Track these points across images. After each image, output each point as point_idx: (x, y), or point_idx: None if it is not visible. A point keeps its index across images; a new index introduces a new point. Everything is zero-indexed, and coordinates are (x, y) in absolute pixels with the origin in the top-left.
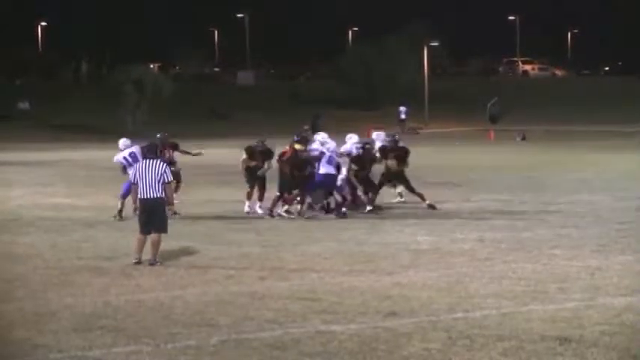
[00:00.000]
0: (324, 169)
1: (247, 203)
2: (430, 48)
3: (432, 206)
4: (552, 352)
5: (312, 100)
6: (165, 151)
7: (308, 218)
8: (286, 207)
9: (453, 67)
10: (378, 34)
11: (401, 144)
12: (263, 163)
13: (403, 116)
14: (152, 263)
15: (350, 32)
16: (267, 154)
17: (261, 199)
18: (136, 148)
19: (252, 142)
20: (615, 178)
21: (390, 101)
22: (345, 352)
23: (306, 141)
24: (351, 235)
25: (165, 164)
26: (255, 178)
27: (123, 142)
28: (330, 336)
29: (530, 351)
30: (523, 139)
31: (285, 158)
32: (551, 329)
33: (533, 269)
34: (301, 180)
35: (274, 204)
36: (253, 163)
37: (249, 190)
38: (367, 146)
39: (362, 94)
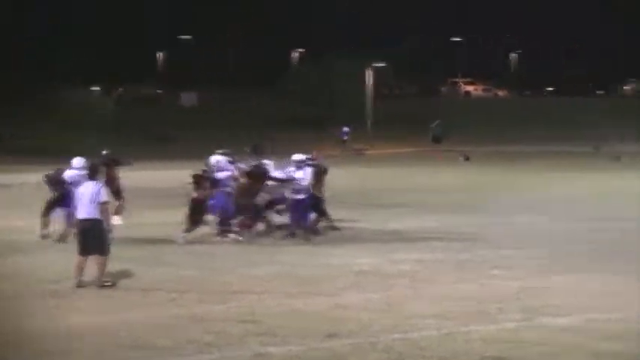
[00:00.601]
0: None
1: (182, 234)
2: (375, 69)
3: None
4: None
5: (256, 122)
6: (111, 168)
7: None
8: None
9: (398, 88)
10: (323, 55)
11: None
12: (211, 191)
13: (345, 137)
14: (100, 285)
15: (295, 54)
16: (214, 182)
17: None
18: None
19: (199, 169)
20: (555, 199)
21: (335, 122)
22: None
23: (260, 176)
24: (291, 257)
25: (100, 185)
26: (197, 212)
27: (77, 161)
28: (269, 358)
29: None
30: (466, 159)
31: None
32: (492, 350)
33: (473, 290)
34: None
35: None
36: (196, 195)
37: (190, 222)
38: (314, 160)
39: (307, 115)
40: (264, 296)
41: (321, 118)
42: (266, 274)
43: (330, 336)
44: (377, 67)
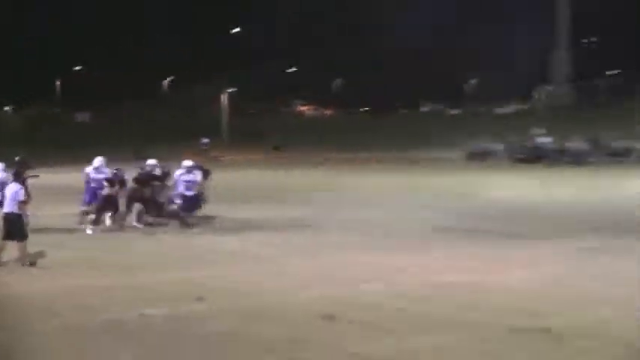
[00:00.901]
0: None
1: (91, 227)
2: (229, 93)
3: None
4: (318, 326)
5: (137, 134)
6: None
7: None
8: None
9: (252, 108)
10: (189, 82)
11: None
12: (120, 190)
13: (205, 147)
14: (23, 264)
15: (165, 81)
16: (124, 182)
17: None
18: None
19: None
20: (382, 196)
21: (198, 135)
22: (160, 330)
23: (145, 180)
24: (171, 240)
25: (19, 187)
26: (108, 205)
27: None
28: (150, 319)
29: (301, 324)
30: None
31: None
32: (319, 309)
33: (314, 265)
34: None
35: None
36: (108, 191)
37: (97, 215)
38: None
39: (176, 129)
40: (147, 269)
41: (187, 131)
42: (150, 253)
43: (199, 300)
44: (230, 92)
